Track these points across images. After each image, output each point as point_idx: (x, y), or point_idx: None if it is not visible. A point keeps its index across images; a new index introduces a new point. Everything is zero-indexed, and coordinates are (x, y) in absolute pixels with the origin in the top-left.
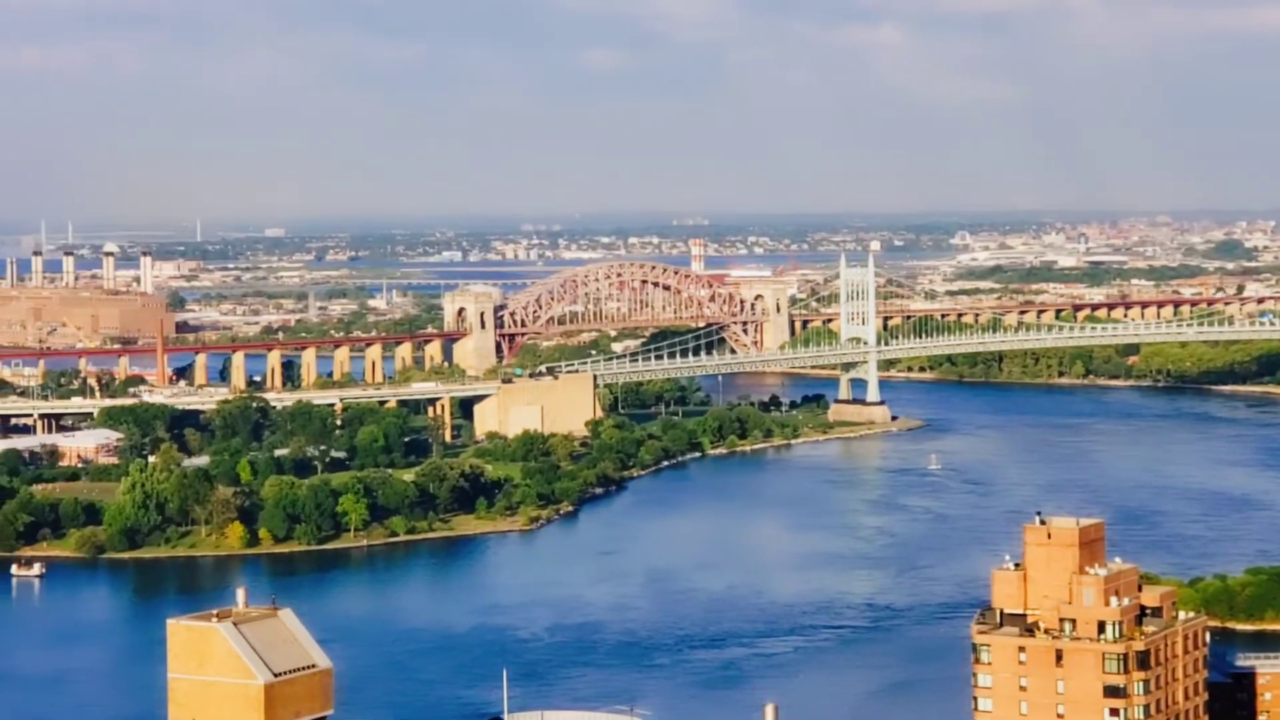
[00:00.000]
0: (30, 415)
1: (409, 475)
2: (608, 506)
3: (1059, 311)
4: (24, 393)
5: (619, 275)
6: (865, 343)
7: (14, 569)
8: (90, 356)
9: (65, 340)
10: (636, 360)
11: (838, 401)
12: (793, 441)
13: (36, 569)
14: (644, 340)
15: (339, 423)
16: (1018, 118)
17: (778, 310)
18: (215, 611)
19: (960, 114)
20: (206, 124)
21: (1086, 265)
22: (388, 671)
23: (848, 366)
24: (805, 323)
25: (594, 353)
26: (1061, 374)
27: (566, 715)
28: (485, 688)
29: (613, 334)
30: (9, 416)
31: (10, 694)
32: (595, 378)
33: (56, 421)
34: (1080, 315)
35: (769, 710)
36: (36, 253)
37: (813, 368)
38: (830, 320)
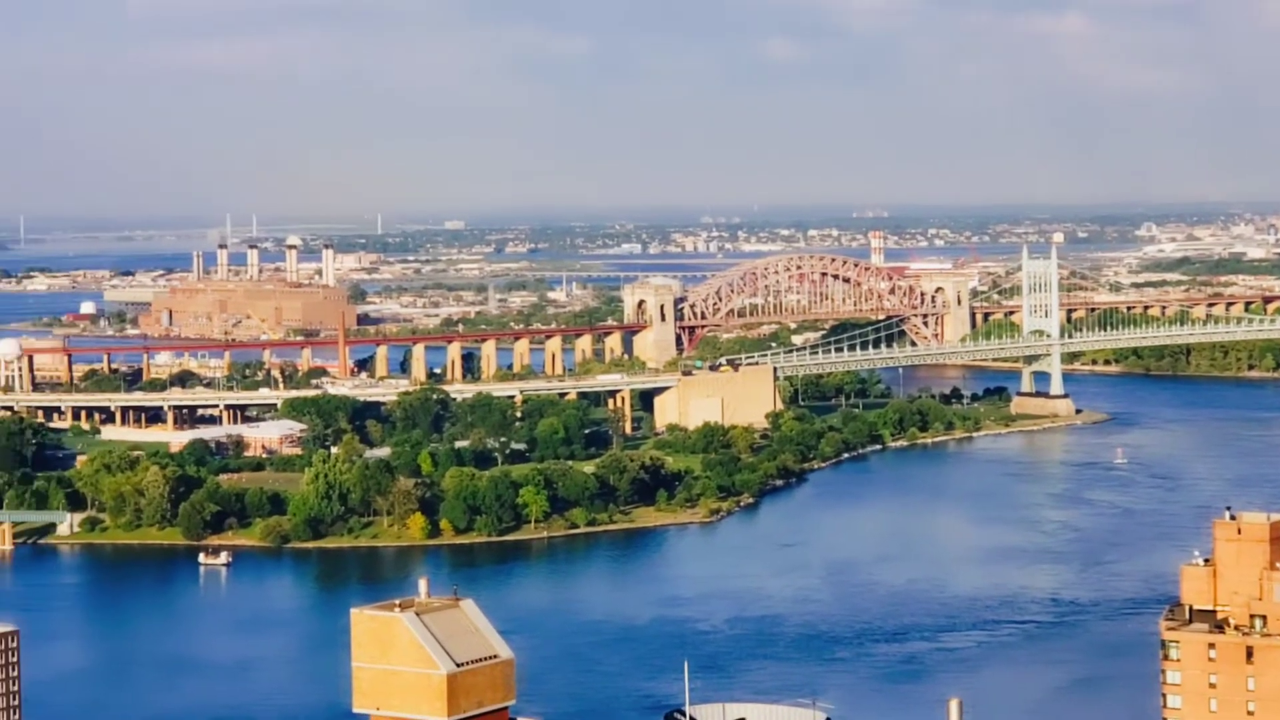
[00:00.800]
0: (216, 406)
1: (589, 467)
2: (788, 499)
3: (1248, 304)
4: (210, 384)
5: (798, 268)
6: (1048, 335)
7: (201, 558)
8: (274, 348)
9: (250, 332)
10: (816, 353)
11: (1020, 394)
12: (974, 434)
13: (223, 558)
14: (824, 333)
15: (519, 415)
16: (1205, 107)
17: (959, 303)
18: (398, 601)
19: (1145, 103)
20: (387, 118)
21: (1276, 257)
22: (568, 663)
23: (1030, 359)
24: (986, 315)
25: (774, 345)
26: (1251, 367)
27: (748, 708)
28: (665, 680)
29: (792, 326)
30: (196, 407)
31: (198, 681)
32: (775, 370)
33: (241, 412)
34: (1270, 308)
35: (953, 705)
36: (222, 246)
37: (994, 360)
38: (1012, 313)
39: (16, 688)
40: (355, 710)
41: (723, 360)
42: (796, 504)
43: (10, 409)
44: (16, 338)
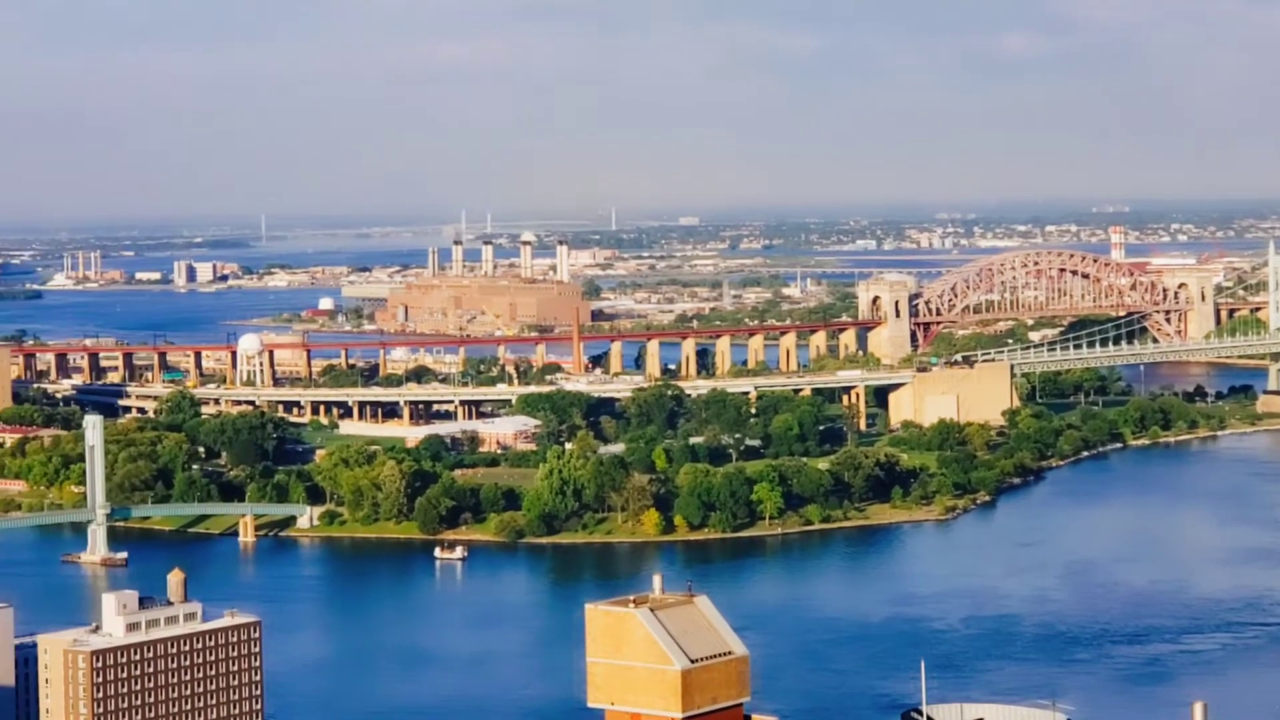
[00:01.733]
0: (452, 401)
1: (823, 463)
2: (1025, 497)
3: None
4: (445, 379)
5: (1035, 263)
6: None
7: (437, 552)
8: (508, 344)
9: (484, 328)
10: (1054, 349)
11: (1267, 393)
12: (1219, 433)
13: (459, 552)
14: (1062, 329)
15: (753, 411)
16: None
17: (1202, 299)
18: (633, 597)
19: None
20: (622, 114)
21: None
22: (802, 660)
23: (1278, 356)
24: (1231, 311)
25: (1010, 341)
26: None
27: (986, 708)
28: (900, 679)
29: (1029, 323)
30: (432, 403)
31: (434, 674)
32: (1012, 367)
33: (477, 408)
34: None
35: (1197, 709)
36: (457, 242)
37: (1240, 358)
38: (1258, 309)
39: (259, 677)
40: (590, 705)
41: (958, 356)
42: (1034, 502)
43: (252, 403)
44: (258, 333)
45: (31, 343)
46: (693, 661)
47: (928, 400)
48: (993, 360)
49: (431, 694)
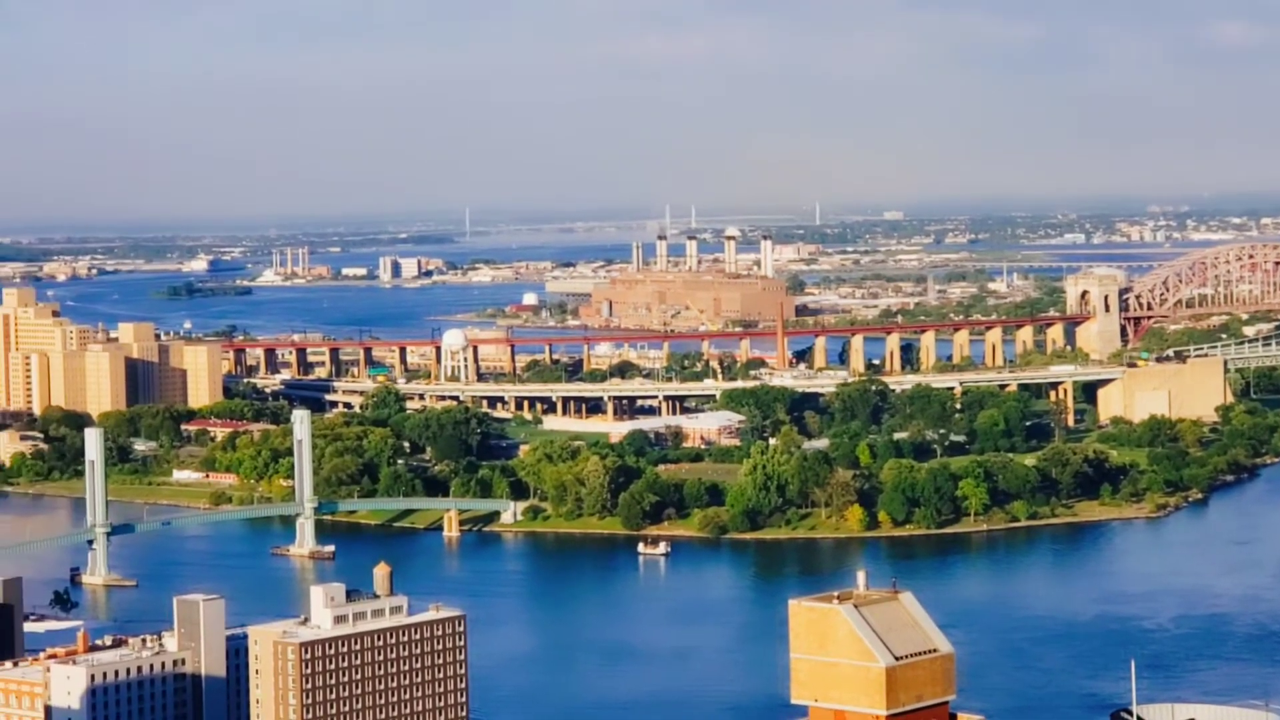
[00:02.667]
0: (655, 397)
1: (1030, 460)
2: (1239, 494)
3: None
4: (649, 375)
5: (1250, 256)
6: None
7: (641, 547)
8: (712, 339)
9: (688, 323)
10: (1270, 344)
11: None
12: None
13: (662, 548)
14: (1278, 324)
15: (958, 406)
16: None
17: None
18: (836, 593)
19: None
20: (826, 107)
21: None
22: (1007, 659)
23: None
24: None
25: (1224, 336)
26: None
27: (1198, 709)
28: (1109, 678)
29: (1244, 317)
30: (636, 398)
31: (636, 669)
32: (1225, 362)
33: (680, 403)
34: None
35: None
36: (661, 237)
37: None
38: None
39: (463, 671)
40: (793, 701)
41: (1170, 352)
42: (1248, 500)
43: (456, 398)
44: (462, 329)
45: (241, 338)
46: (897, 659)
47: (1138, 396)
48: (1205, 356)
49: (634, 689)
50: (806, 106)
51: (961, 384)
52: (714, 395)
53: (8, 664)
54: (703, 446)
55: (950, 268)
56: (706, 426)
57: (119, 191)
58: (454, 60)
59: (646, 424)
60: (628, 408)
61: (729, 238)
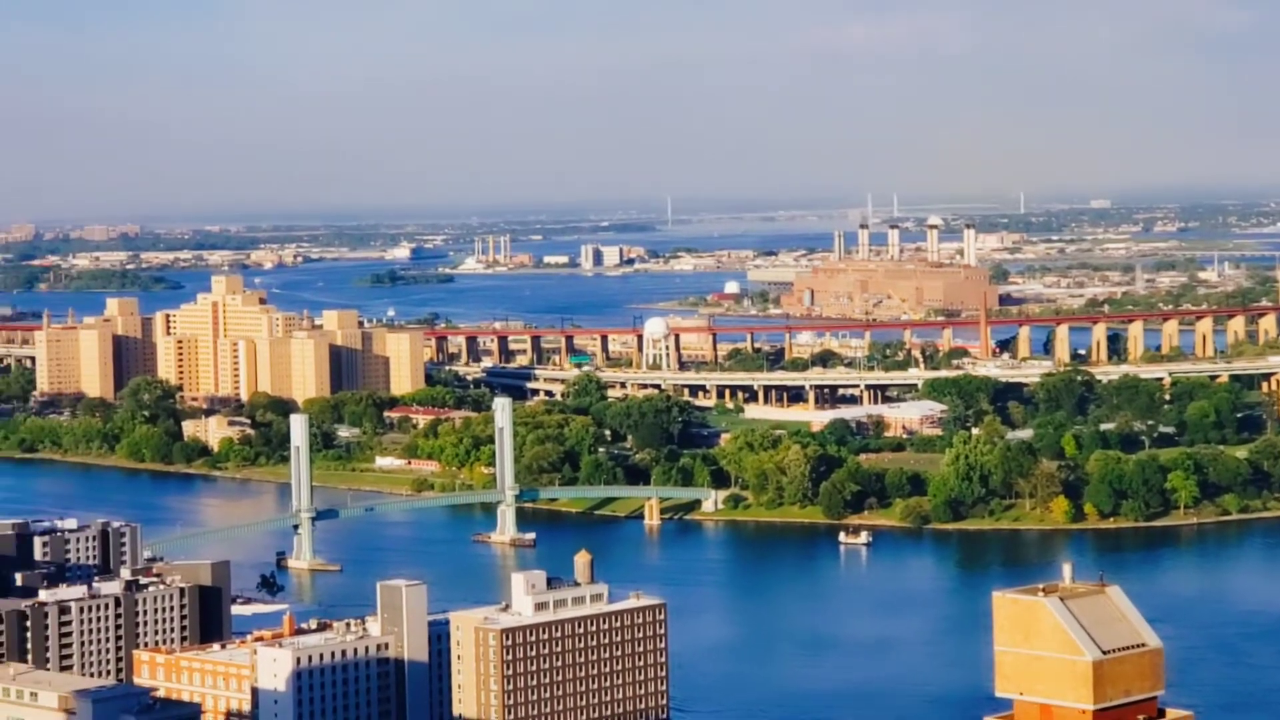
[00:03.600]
0: (857, 386)
1: (1241, 452)
2: None
3: None
4: (851, 364)
5: None
6: None
7: (842, 537)
8: (914, 329)
9: (890, 312)
10: None
11: None
12: None
13: (864, 537)
14: None
15: (1167, 397)
16: None
17: None
18: (1041, 586)
19: None
20: (1030, 94)
21: None
22: (1217, 654)
23: None
24: None
25: None
26: None
27: None
28: None
29: None
30: (837, 387)
31: (837, 659)
32: None
33: (882, 392)
34: None
35: None
36: (863, 226)
37: None
38: None
39: (664, 659)
40: (998, 695)
41: None
42: None
43: (658, 387)
44: (664, 317)
45: (443, 326)
46: (1104, 653)
47: None
48: None
49: (834, 680)
50: (1011, 93)
51: (1170, 374)
52: (916, 385)
53: (216, 646)
54: (904, 436)
55: (1159, 256)
56: (908, 416)
57: (325, 180)
58: (656, 49)
59: (848, 413)
60: (829, 396)
61: (932, 226)
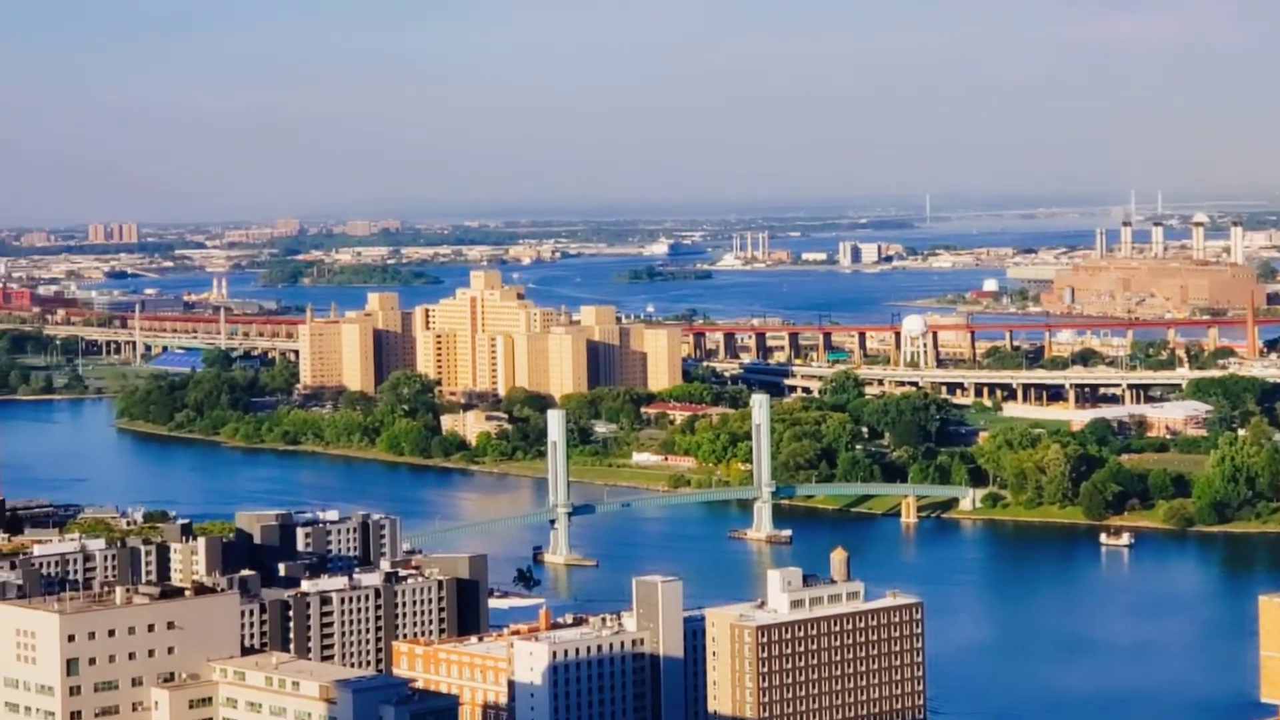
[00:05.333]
0: (1119, 385)
1: None
2: None
3: None
4: (1112, 363)
5: None
6: None
7: (1103, 538)
8: (1178, 328)
9: (1153, 311)
10: None
11: None
12: None
13: (1125, 539)
14: None
15: None
16: None
17: None
18: None
19: None
20: None
21: None
22: None
23: None
24: None
25: None
26: None
27: None
28: None
29: None
30: (1097, 386)
31: (1097, 662)
32: None
33: (1144, 392)
34: None
35: None
36: (1126, 223)
37: None
38: None
39: (920, 659)
40: (1263, 700)
41: None
42: None
43: (915, 384)
44: (921, 314)
45: (701, 322)
46: None
47: None
48: None
49: (1094, 682)
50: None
51: None
52: (1180, 384)
53: (473, 639)
54: (1167, 436)
55: None
56: (1172, 416)
57: (583, 176)
58: (916, 44)
59: (1109, 412)
60: (1090, 395)
61: (1197, 224)
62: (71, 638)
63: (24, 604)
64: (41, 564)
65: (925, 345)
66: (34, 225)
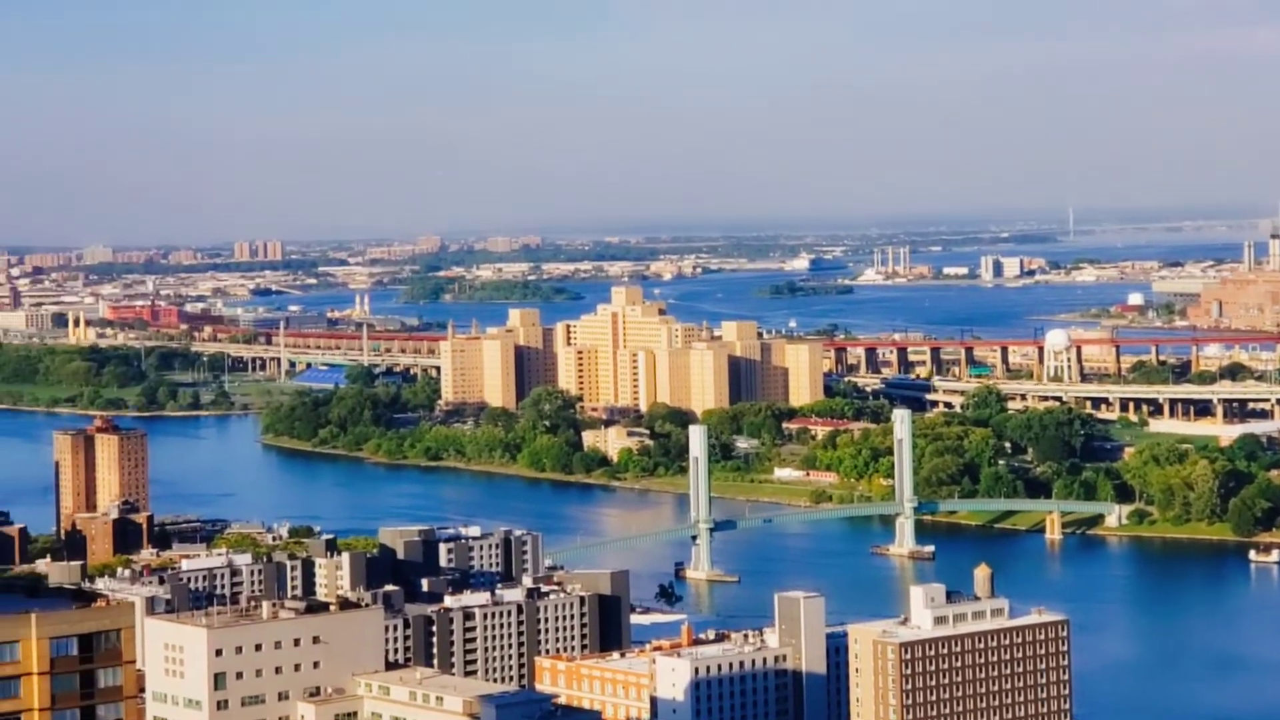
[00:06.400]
0: (1268, 400)
1: None
2: None
3: None
4: (1261, 377)
5: None
6: None
7: (1253, 555)
8: None
9: None
10: None
11: None
12: None
13: (1275, 556)
14: None
15: None
16: None
17: None
18: None
19: None
20: None
21: None
22: None
23: None
24: None
25: None
26: None
27: None
28: None
29: None
30: (1247, 401)
31: (1246, 679)
32: None
33: None
34: None
35: None
36: (1274, 235)
37: None
38: None
39: (1067, 677)
40: None
41: None
42: None
43: (1059, 399)
44: (1065, 328)
45: (842, 337)
46: None
47: None
48: None
49: (1244, 701)
50: None
51: None
52: None
53: (615, 655)
54: None
55: None
56: None
57: (724, 191)
58: (1052, 53)
59: (1259, 427)
60: (1238, 410)
61: None
62: (219, 652)
63: (172, 618)
64: (189, 579)
65: (1069, 360)
66: (181, 243)
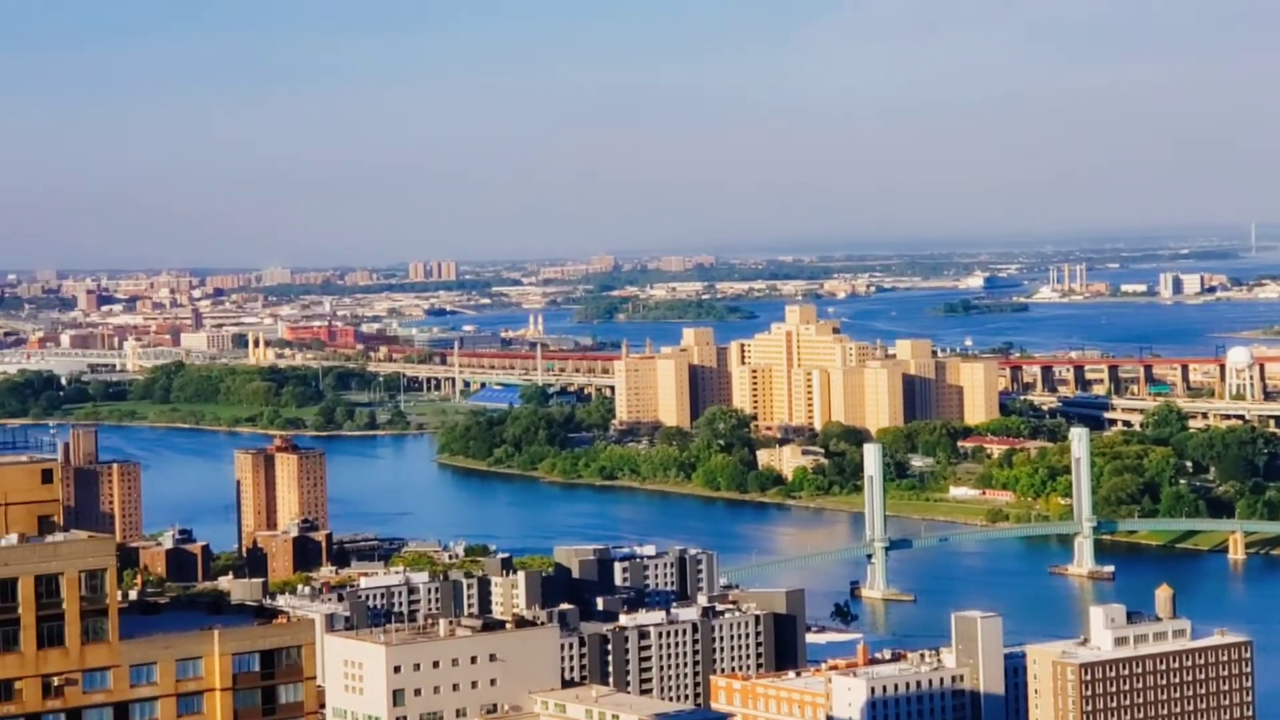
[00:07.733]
0: None
1: None
2: None
3: None
4: None
5: None
6: None
7: None
8: None
9: None
10: None
11: None
12: None
13: None
14: None
15: None
16: None
17: None
18: None
19: None
20: None
21: None
22: None
23: None
24: None
25: None
26: None
27: None
28: None
29: None
30: None
31: None
32: None
33: None
34: None
35: None
36: None
37: None
38: None
39: (1250, 698)
40: None
41: None
42: None
43: (1242, 417)
44: (1247, 346)
45: (1017, 355)
46: None
47: None
48: None
49: None
50: None
51: None
52: None
53: (790, 674)
54: None
55: None
56: None
57: (897, 209)
58: (1231, 67)
59: None
60: None
61: None
62: (397, 669)
63: (351, 635)
64: (367, 596)
65: (1252, 377)
66: (357, 264)
